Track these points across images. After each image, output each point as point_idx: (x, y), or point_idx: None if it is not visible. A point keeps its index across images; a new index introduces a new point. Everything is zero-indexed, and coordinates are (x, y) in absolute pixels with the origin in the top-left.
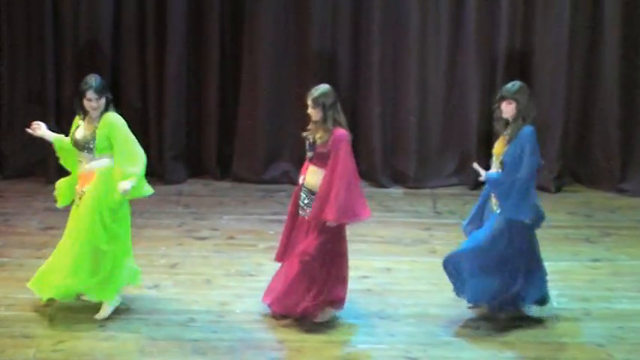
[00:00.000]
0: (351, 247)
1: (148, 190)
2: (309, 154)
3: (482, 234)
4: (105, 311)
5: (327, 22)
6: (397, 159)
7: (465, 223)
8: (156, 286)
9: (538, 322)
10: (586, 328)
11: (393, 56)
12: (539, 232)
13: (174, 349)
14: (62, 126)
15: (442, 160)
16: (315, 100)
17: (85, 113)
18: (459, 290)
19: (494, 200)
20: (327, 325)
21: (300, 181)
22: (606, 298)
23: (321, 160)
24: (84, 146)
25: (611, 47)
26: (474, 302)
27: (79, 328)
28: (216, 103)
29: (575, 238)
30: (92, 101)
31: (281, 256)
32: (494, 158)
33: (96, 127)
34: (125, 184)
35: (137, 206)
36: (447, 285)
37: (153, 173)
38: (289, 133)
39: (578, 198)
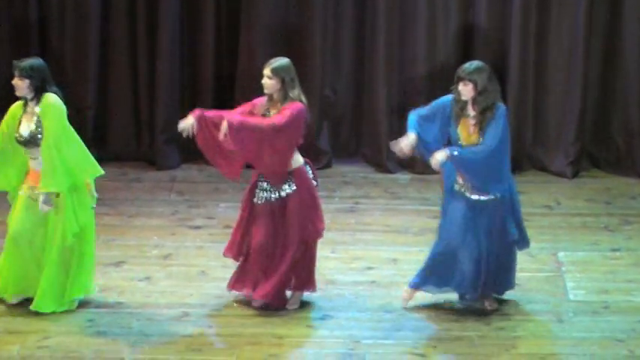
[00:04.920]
0: (355, 237)
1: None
2: None
3: None
4: None
5: None
6: None
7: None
8: (147, 279)
9: (554, 316)
10: (605, 322)
11: (400, 33)
12: (557, 221)
13: (167, 345)
14: None
15: None
16: (275, 71)
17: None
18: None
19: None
20: (330, 320)
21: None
22: (627, 290)
23: None
24: (33, 141)
25: (631, 24)
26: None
27: (66, 323)
28: (212, 80)
29: (593, 226)
30: (15, 78)
31: (235, 252)
32: (461, 143)
33: (38, 117)
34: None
35: (128, 194)
36: None
37: (144, 158)
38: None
39: (596, 184)
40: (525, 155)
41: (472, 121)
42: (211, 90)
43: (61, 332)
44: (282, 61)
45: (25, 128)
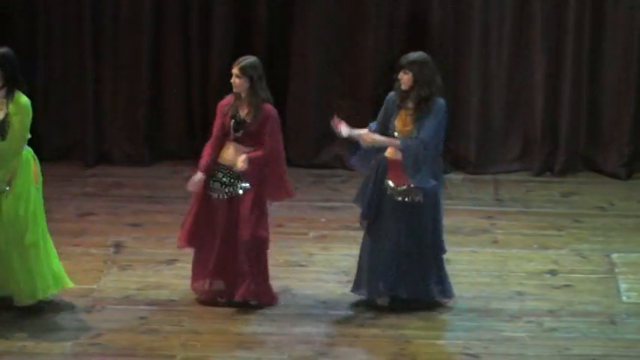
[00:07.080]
0: None
1: None
2: (237, 133)
3: None
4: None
5: None
6: (457, 143)
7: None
8: None
9: (607, 317)
10: None
11: (453, 31)
12: (611, 222)
13: (218, 344)
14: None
15: (505, 144)
16: (243, 70)
17: None
18: None
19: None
20: (381, 320)
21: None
22: None
23: (248, 138)
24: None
25: None
26: None
27: (118, 320)
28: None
29: None
30: None
31: (189, 241)
32: (396, 134)
33: (7, 110)
34: None
35: (180, 192)
36: (510, 277)
37: (197, 156)
38: (343, 112)
39: None
40: (579, 156)
41: (409, 112)
42: None
43: (113, 329)
44: (250, 59)
45: None
